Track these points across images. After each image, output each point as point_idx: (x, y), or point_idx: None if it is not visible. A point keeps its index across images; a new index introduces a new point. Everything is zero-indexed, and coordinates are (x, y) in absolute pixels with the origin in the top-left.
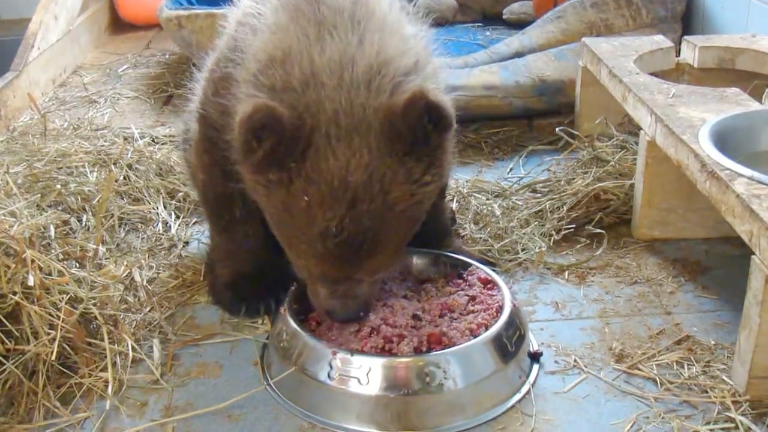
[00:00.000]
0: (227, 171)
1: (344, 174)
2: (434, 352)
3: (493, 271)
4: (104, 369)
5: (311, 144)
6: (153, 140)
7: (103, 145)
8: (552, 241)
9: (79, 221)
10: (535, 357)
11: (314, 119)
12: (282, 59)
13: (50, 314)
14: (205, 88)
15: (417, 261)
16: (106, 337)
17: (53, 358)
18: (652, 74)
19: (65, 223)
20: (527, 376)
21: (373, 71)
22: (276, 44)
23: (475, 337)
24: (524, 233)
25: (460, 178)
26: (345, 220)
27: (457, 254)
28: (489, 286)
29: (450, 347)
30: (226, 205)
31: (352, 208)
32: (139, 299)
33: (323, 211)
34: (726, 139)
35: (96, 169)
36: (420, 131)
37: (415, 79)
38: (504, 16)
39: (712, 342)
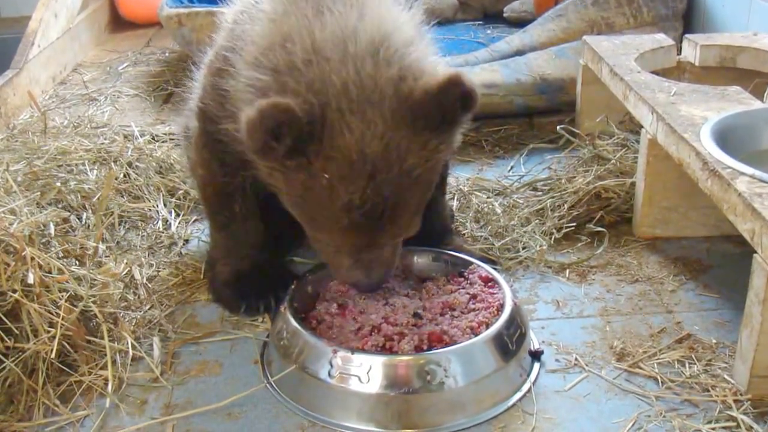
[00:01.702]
0: (227, 165)
1: (361, 147)
2: (435, 351)
3: (494, 269)
4: (104, 367)
5: (325, 122)
6: (153, 138)
7: (103, 143)
8: (553, 239)
9: (79, 219)
10: (536, 355)
11: (322, 96)
12: (282, 42)
13: (50, 312)
14: (203, 82)
15: (418, 259)
16: (105, 335)
17: (53, 356)
18: (653, 72)
19: (65, 220)
20: (528, 375)
21: (376, 43)
22: (275, 29)
23: (476, 335)
24: (525, 231)
25: (460, 176)
26: (367, 191)
27: (458, 252)
28: (490, 284)
29: (451, 345)
30: (225, 201)
31: (372, 179)
32: (139, 297)
33: (345, 186)
34: (727, 137)
35: (96, 167)
36: (451, 113)
37: (415, 50)
38: (505, 14)
39: (714, 340)
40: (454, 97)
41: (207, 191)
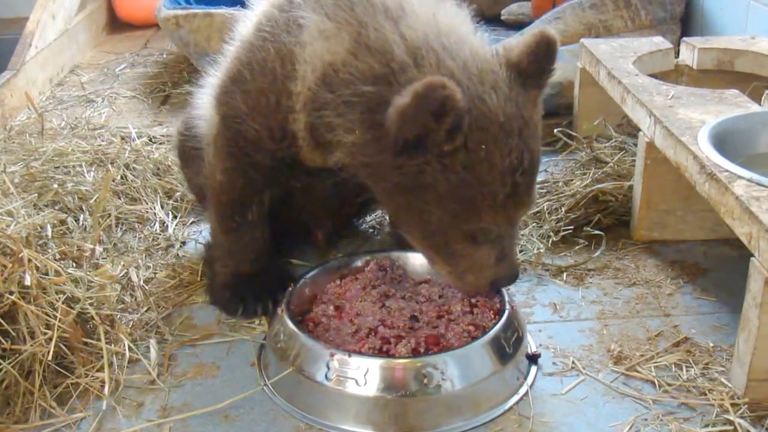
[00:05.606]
0: (251, 177)
1: (502, 109)
2: (432, 354)
3: None
4: (101, 369)
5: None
6: (150, 140)
7: (100, 145)
8: (550, 242)
9: (76, 221)
10: (533, 359)
11: (450, 75)
12: (365, 52)
13: (47, 314)
14: (234, 99)
15: (414, 262)
16: (102, 337)
17: (50, 358)
18: (651, 75)
19: (62, 222)
20: (525, 378)
21: (457, 36)
22: (336, 46)
23: (473, 338)
24: (522, 234)
25: None
26: (521, 148)
27: None
28: None
29: (448, 349)
30: (239, 209)
31: (520, 136)
32: (135, 299)
33: (500, 149)
34: (725, 140)
35: (93, 169)
36: (545, 63)
37: (480, 37)
38: (502, 17)
39: (711, 344)
40: (545, 47)
41: (222, 198)
